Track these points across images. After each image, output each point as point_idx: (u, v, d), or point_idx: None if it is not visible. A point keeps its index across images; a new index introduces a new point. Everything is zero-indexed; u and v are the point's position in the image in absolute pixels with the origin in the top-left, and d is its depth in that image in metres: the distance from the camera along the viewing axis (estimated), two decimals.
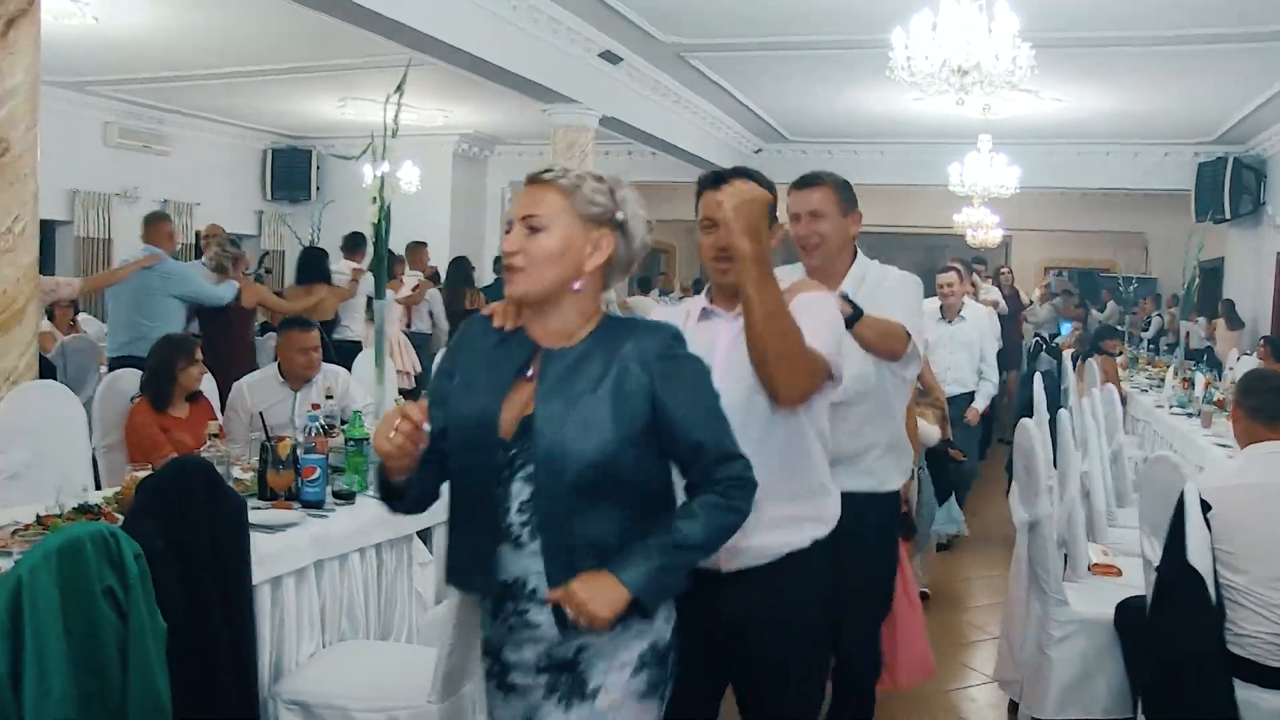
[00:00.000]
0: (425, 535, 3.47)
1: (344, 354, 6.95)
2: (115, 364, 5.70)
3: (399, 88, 3.89)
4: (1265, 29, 7.48)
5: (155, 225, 6.51)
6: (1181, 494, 2.63)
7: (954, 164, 10.07)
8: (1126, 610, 3.45)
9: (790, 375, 2.10)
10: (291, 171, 13.77)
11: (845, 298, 2.58)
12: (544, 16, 7.89)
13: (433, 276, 10.19)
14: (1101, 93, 9.47)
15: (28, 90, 4.22)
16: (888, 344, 2.69)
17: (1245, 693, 2.89)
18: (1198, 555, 2.55)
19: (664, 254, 21.96)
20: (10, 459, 3.67)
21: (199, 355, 4.25)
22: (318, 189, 13.75)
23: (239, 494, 2.82)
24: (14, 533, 2.68)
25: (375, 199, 3.88)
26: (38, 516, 2.78)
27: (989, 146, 9.84)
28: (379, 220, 3.87)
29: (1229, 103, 9.89)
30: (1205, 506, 2.70)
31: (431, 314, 9.26)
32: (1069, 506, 3.91)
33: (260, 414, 3.69)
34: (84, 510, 2.85)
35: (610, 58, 9.04)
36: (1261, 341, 8.66)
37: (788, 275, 2.58)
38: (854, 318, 2.55)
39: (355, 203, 12.41)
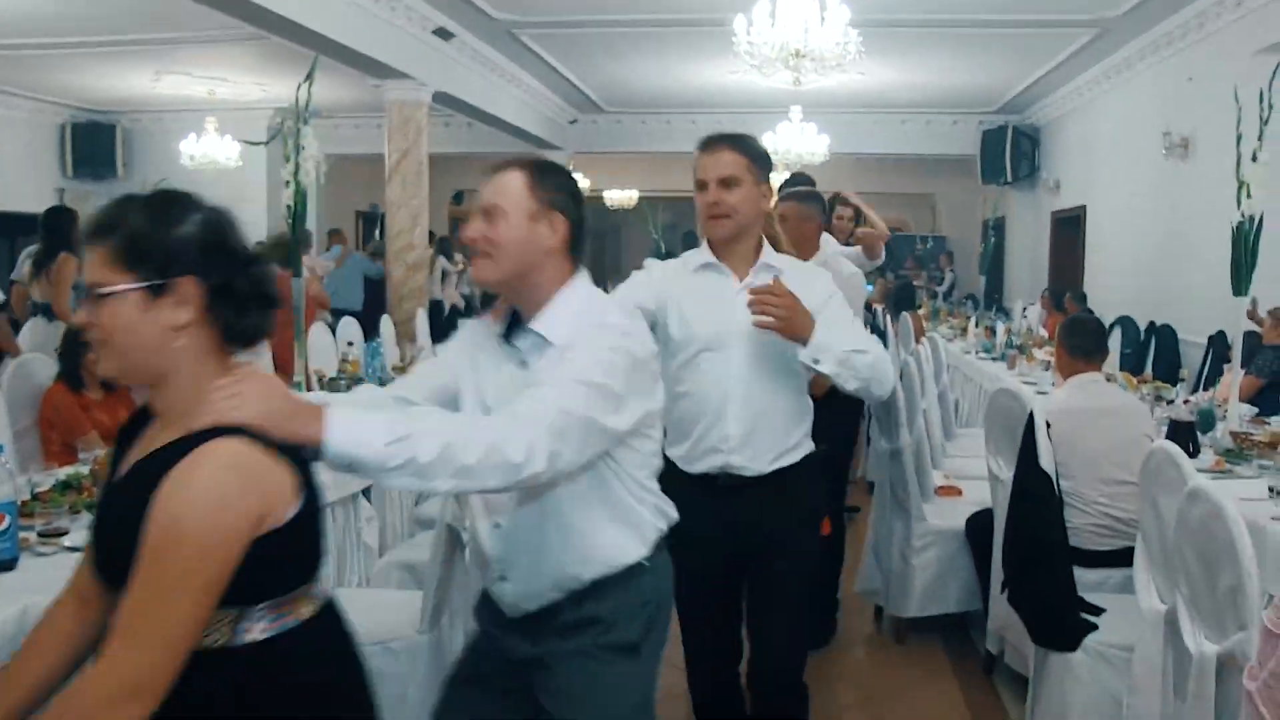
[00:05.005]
0: (367, 493, 3.75)
1: None
2: None
3: (309, 75, 4.08)
4: (1044, 16, 8.50)
5: None
6: (1030, 415, 3.24)
7: (768, 133, 10.71)
8: (975, 522, 4.10)
9: None
10: (95, 147, 13.20)
11: None
12: None
13: None
14: (901, 68, 10.36)
15: None
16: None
17: None
18: (1046, 460, 3.17)
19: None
20: None
21: None
22: (124, 166, 13.27)
23: None
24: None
25: (288, 182, 4.06)
26: (33, 493, 2.91)
27: (800, 116, 10.54)
28: (295, 202, 4.05)
29: (1009, 77, 11.00)
30: (1046, 425, 3.32)
31: None
32: (918, 437, 4.53)
33: None
34: (67, 487, 3.00)
35: (443, 34, 9.22)
36: (1044, 293, 9.73)
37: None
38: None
39: (171, 180, 12.09)
